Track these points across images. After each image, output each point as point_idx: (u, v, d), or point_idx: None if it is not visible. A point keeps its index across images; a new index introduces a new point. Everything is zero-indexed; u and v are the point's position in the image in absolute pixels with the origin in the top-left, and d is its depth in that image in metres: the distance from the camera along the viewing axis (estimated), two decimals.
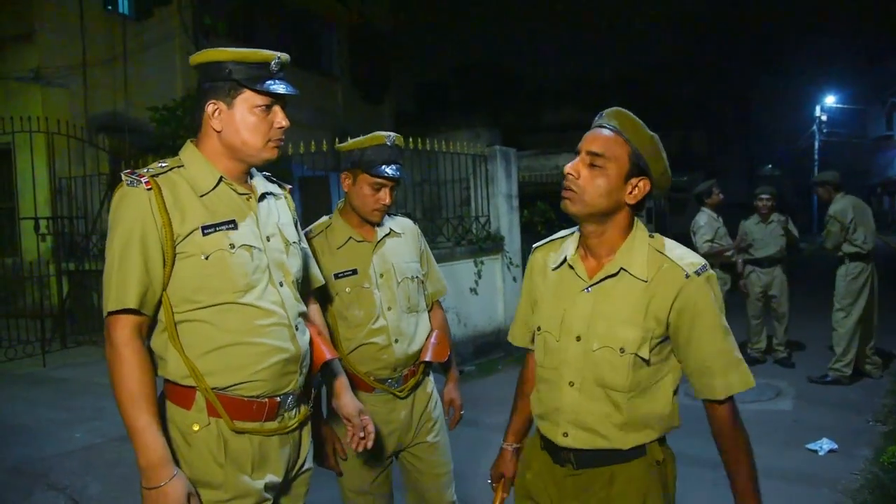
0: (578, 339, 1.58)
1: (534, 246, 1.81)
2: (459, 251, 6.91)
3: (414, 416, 2.29)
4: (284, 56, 1.65)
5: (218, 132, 1.62)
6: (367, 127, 2.27)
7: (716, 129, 29.59)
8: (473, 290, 7.06)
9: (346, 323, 2.22)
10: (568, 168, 1.55)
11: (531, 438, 1.78)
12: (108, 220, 1.59)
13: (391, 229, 2.33)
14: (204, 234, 1.56)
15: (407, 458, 2.34)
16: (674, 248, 1.57)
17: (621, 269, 1.55)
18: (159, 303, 1.56)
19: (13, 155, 7.03)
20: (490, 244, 7.34)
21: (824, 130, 32.36)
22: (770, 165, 33.33)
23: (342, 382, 1.89)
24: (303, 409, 1.74)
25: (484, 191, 7.54)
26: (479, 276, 7.13)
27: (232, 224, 1.60)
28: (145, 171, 1.59)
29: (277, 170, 1.89)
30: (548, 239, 1.78)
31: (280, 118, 1.65)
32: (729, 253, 6.10)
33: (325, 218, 2.36)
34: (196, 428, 1.56)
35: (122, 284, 1.49)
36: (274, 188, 1.82)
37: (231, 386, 1.56)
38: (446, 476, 2.36)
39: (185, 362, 1.55)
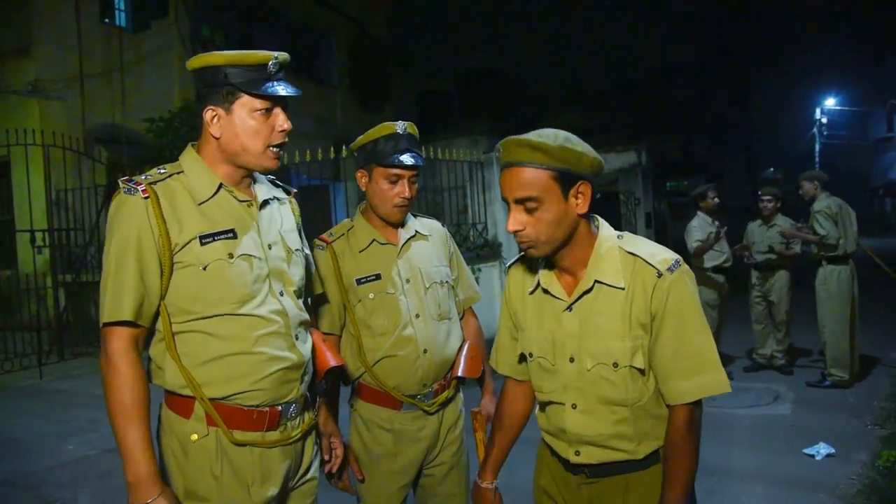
0: (572, 360, 1.52)
1: (507, 264, 1.72)
2: None
3: (441, 433, 2.13)
4: (283, 55, 1.59)
5: (217, 138, 1.58)
6: None
7: (717, 132, 29.55)
8: None
9: (370, 332, 2.05)
10: (510, 226, 1.47)
11: (540, 448, 1.70)
12: (105, 232, 1.57)
13: (417, 231, 2.17)
14: (202, 244, 1.52)
15: (423, 478, 2.18)
16: (644, 246, 1.50)
17: (595, 281, 1.48)
18: (157, 312, 1.53)
19: (10, 168, 7.06)
20: (487, 251, 7.34)
21: (825, 133, 32.31)
22: (772, 168, 33.27)
23: (327, 401, 1.91)
24: (307, 418, 1.70)
25: (481, 197, 7.54)
26: (477, 284, 7.10)
27: (231, 233, 1.56)
28: (143, 178, 1.55)
29: (277, 179, 1.85)
30: (519, 255, 1.68)
31: (281, 121, 1.59)
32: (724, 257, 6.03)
33: (346, 220, 2.22)
34: (194, 438, 1.53)
35: (117, 296, 1.46)
36: (279, 192, 1.76)
37: (230, 396, 1.53)
38: (457, 498, 2.19)
39: (182, 372, 1.51)
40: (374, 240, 2.10)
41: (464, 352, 2.16)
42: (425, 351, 2.05)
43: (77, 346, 7.53)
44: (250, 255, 1.57)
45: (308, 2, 13.31)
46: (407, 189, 2.04)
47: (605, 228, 1.53)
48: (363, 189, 2.11)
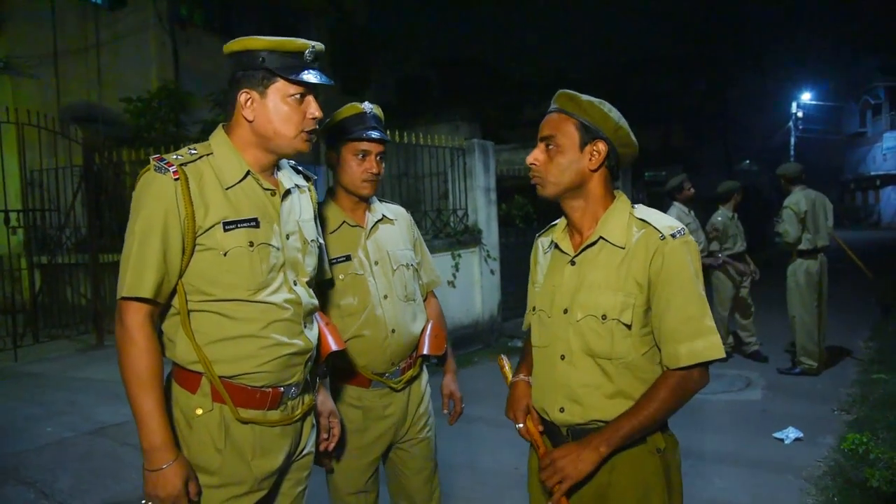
0: (565, 311, 1.60)
1: (536, 235, 1.86)
2: (437, 244, 6.91)
3: (409, 410, 2.22)
4: (319, 45, 1.63)
5: (250, 122, 1.61)
6: None
7: (694, 123, 29.82)
8: (451, 283, 7.08)
9: (339, 312, 2.11)
10: (529, 159, 1.62)
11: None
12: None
13: (384, 215, 2.25)
14: (225, 230, 1.56)
15: (394, 453, 2.27)
16: (653, 214, 1.61)
17: (600, 237, 1.59)
18: (174, 290, 1.57)
19: None
20: (468, 237, 7.37)
21: (800, 126, 32.83)
22: (748, 161, 33.70)
23: (324, 381, 1.95)
24: (307, 399, 1.76)
25: (462, 184, 7.55)
26: (457, 269, 7.15)
27: (253, 222, 1.60)
28: (174, 158, 1.57)
29: (300, 165, 1.87)
30: (547, 227, 1.82)
31: (313, 108, 1.63)
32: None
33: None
34: (199, 412, 1.58)
35: (138, 272, 1.50)
36: (300, 180, 1.82)
37: (237, 375, 1.59)
38: (429, 471, 2.30)
39: (194, 349, 1.56)
40: (343, 222, 2.17)
41: (428, 331, 2.27)
42: (393, 331, 2.13)
43: (52, 329, 7.42)
44: (269, 245, 1.62)
45: None
46: (375, 165, 2.12)
47: (623, 199, 1.65)
48: (331, 169, 2.19)
